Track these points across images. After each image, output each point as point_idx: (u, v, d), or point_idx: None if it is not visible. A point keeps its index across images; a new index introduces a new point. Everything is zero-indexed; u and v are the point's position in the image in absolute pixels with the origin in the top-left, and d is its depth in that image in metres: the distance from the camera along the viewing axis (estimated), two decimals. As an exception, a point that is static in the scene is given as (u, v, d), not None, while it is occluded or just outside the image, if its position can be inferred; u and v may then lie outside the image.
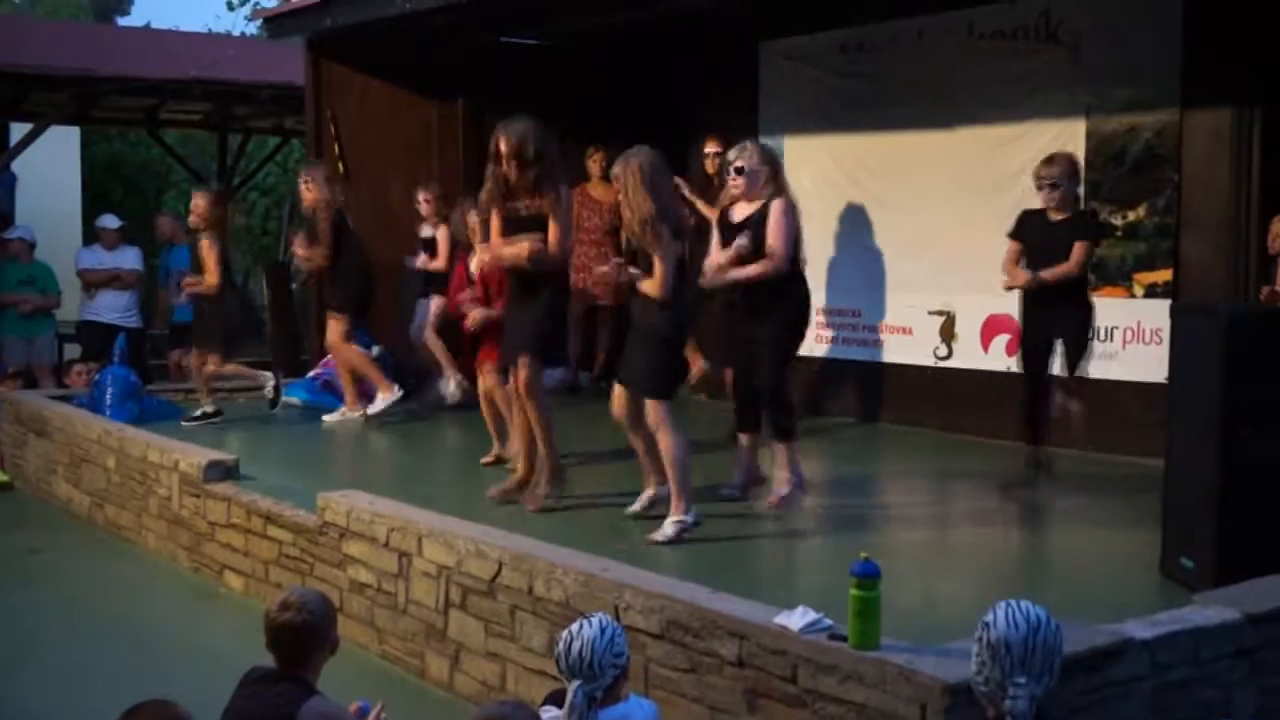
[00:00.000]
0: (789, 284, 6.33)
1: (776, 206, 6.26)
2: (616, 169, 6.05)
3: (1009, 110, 8.34)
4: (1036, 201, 8.24)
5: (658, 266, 5.81)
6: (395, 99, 10.70)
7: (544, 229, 6.39)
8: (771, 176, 6.41)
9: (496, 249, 6.54)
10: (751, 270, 6.22)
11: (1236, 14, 7.23)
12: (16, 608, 6.64)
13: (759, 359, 6.35)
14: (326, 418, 8.92)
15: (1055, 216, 6.96)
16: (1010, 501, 6.88)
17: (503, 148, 6.35)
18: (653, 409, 5.86)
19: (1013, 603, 3.11)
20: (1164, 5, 7.57)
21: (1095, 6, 7.95)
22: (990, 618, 3.05)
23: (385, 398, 8.89)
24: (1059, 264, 6.82)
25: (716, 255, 6.37)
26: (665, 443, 5.84)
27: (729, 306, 6.59)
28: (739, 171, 6.43)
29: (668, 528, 5.77)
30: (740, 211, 6.42)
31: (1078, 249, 6.82)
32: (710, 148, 8.99)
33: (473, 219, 8.27)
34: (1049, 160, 7.01)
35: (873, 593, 3.80)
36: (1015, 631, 3.01)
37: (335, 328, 8.90)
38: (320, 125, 10.58)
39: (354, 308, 8.96)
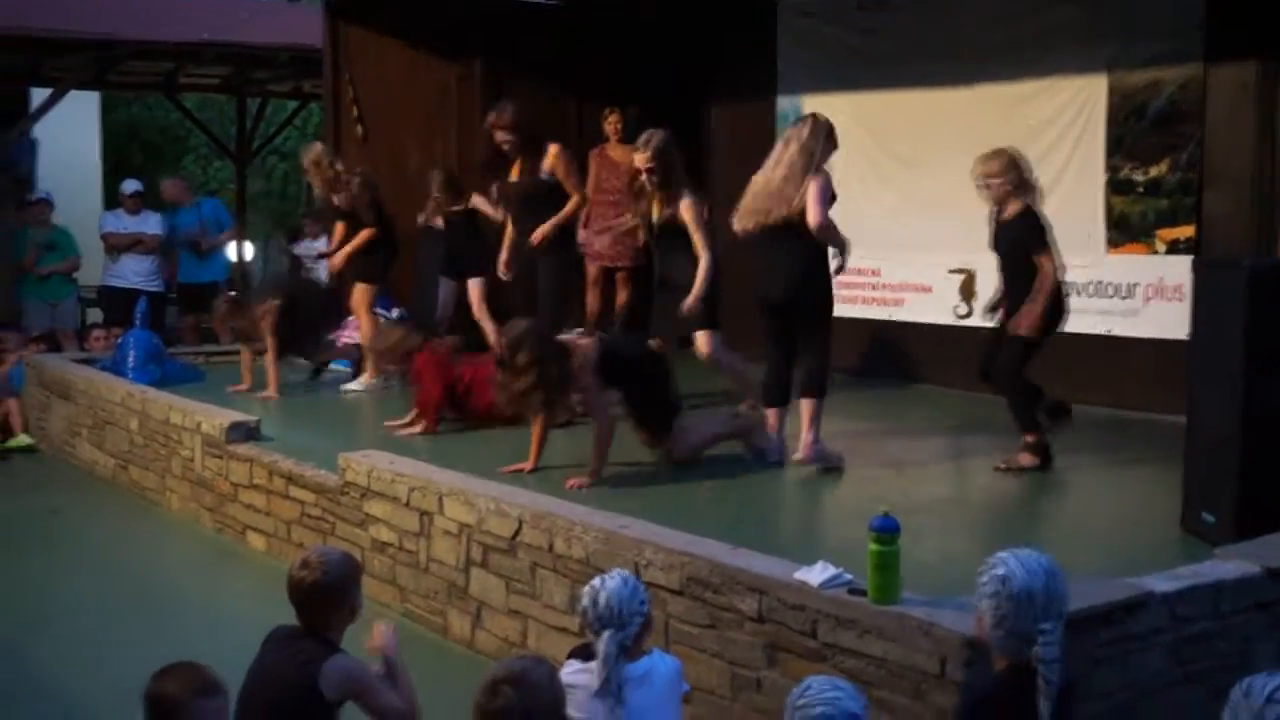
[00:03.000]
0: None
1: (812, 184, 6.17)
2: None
3: (1029, 66, 8.27)
4: (1056, 158, 8.22)
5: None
6: (413, 61, 10.66)
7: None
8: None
9: None
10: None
11: (1261, -34, 7.15)
12: (41, 569, 6.71)
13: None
14: (346, 386, 8.91)
15: (1003, 215, 6.46)
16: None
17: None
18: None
19: (1020, 552, 3.10)
20: (1187, -42, 7.50)
21: (1117, -41, 7.87)
22: (1004, 570, 3.04)
23: (367, 382, 8.80)
24: (1006, 264, 6.47)
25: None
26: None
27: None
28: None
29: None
30: None
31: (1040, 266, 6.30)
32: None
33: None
34: (982, 158, 6.41)
35: (892, 547, 3.81)
36: (1036, 580, 3.01)
37: (362, 295, 8.87)
38: (338, 88, 10.56)
39: (382, 275, 8.98)
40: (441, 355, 7.53)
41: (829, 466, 6.26)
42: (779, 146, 6.36)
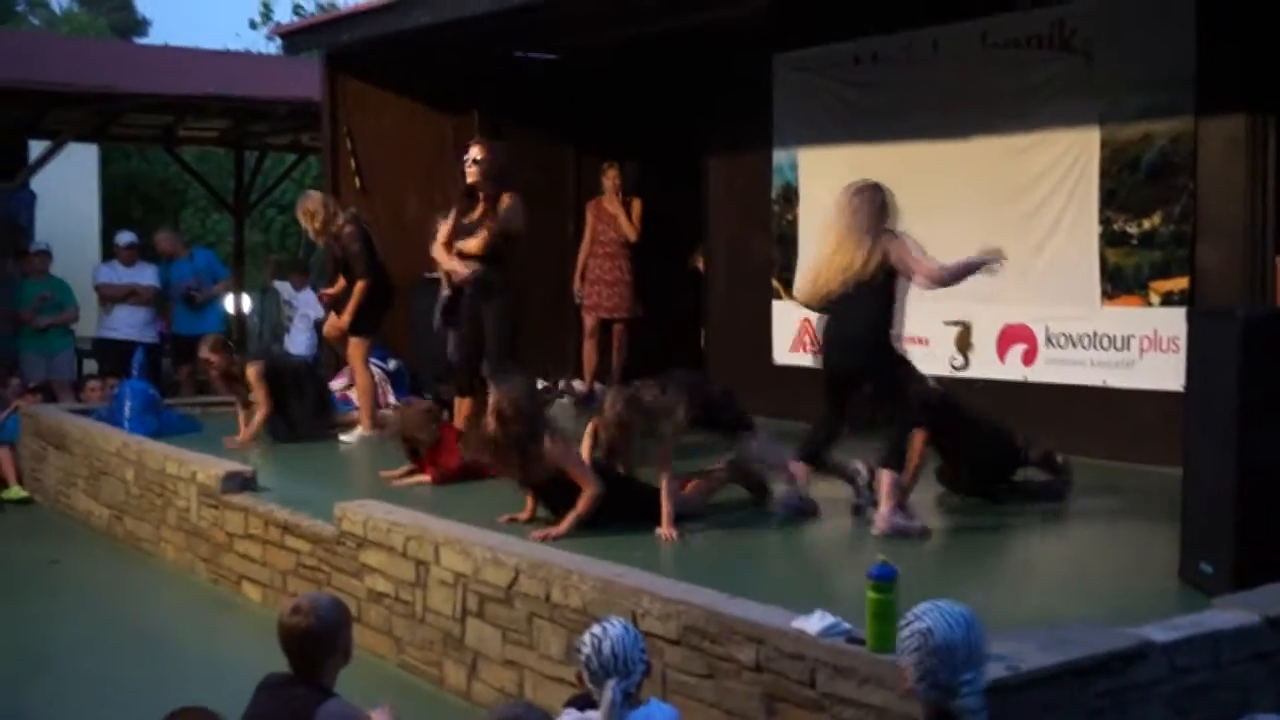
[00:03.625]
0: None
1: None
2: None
3: (1023, 119, 8.34)
4: (1050, 210, 8.30)
5: None
6: (411, 113, 10.75)
7: None
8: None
9: None
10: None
11: (1251, 20, 7.22)
12: (37, 619, 6.68)
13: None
14: (343, 437, 8.87)
15: None
16: (1029, 508, 6.86)
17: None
18: None
19: (941, 604, 3.21)
20: (1177, 12, 7.57)
21: (1108, 14, 7.95)
22: (927, 624, 3.15)
23: (364, 434, 8.75)
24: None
25: None
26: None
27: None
28: None
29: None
30: None
31: None
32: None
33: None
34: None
35: (889, 595, 3.80)
36: (957, 632, 3.12)
37: (357, 349, 8.80)
38: (336, 140, 10.64)
39: (376, 327, 8.93)
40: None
41: (909, 536, 5.95)
42: (827, 220, 6.32)
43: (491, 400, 6.07)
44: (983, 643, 3.14)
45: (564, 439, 6.05)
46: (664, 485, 5.95)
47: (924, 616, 3.17)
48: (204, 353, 8.85)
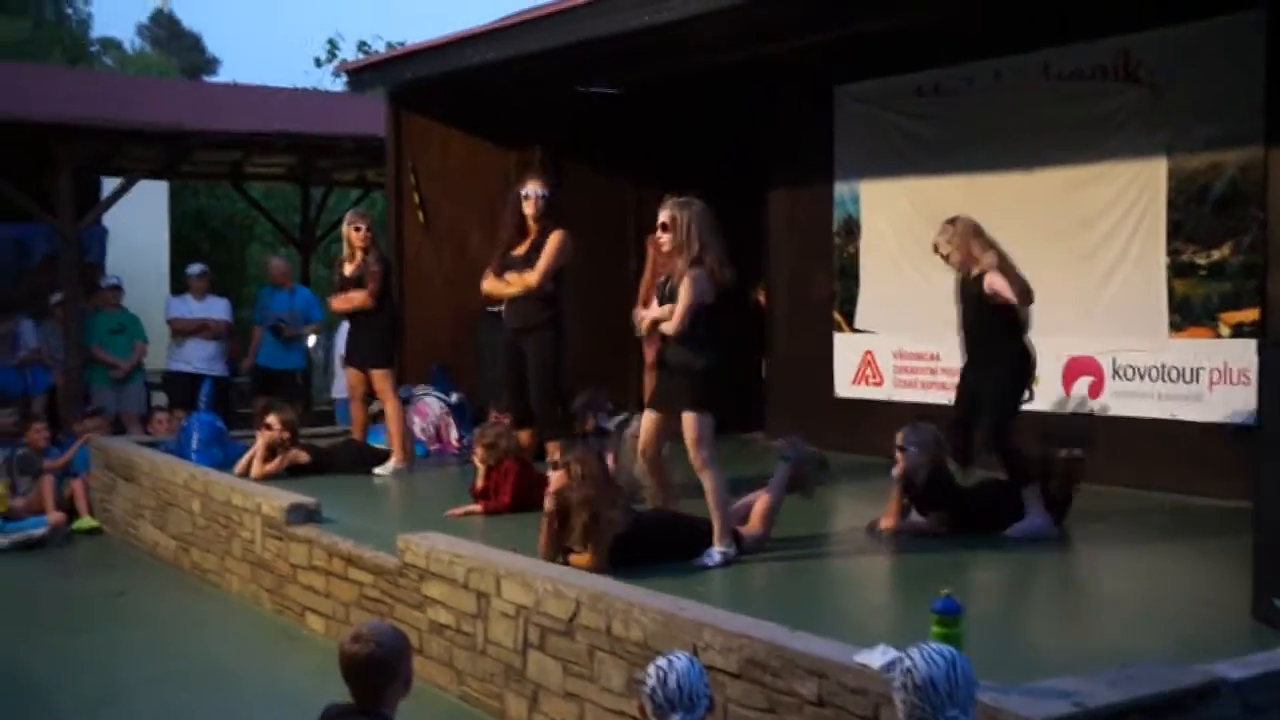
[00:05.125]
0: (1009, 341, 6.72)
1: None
2: (673, 211, 6.19)
3: (1087, 151, 8.28)
4: (1116, 242, 8.24)
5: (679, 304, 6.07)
6: (474, 149, 10.84)
7: None
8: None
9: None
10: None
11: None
12: (104, 649, 6.75)
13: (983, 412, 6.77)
14: (377, 470, 8.90)
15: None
16: (1099, 542, 6.77)
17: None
18: (691, 424, 6.01)
19: (925, 645, 3.24)
20: (1246, 41, 7.50)
21: (1175, 45, 7.88)
22: (908, 664, 3.17)
23: (396, 465, 8.83)
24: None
25: None
26: (708, 478, 6.04)
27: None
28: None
29: (714, 554, 6.01)
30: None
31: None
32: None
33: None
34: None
35: (954, 630, 3.75)
36: (937, 669, 3.14)
37: (383, 380, 8.87)
38: (400, 175, 10.75)
39: (393, 358, 9.04)
40: (525, 463, 7.59)
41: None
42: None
43: (568, 464, 6.03)
44: (969, 684, 3.16)
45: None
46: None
47: (907, 656, 3.21)
48: (272, 419, 8.92)
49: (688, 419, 6.08)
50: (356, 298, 8.85)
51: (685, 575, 5.82)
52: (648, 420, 6.42)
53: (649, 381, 10.09)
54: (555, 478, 6.04)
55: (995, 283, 6.58)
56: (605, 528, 5.80)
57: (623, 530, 5.86)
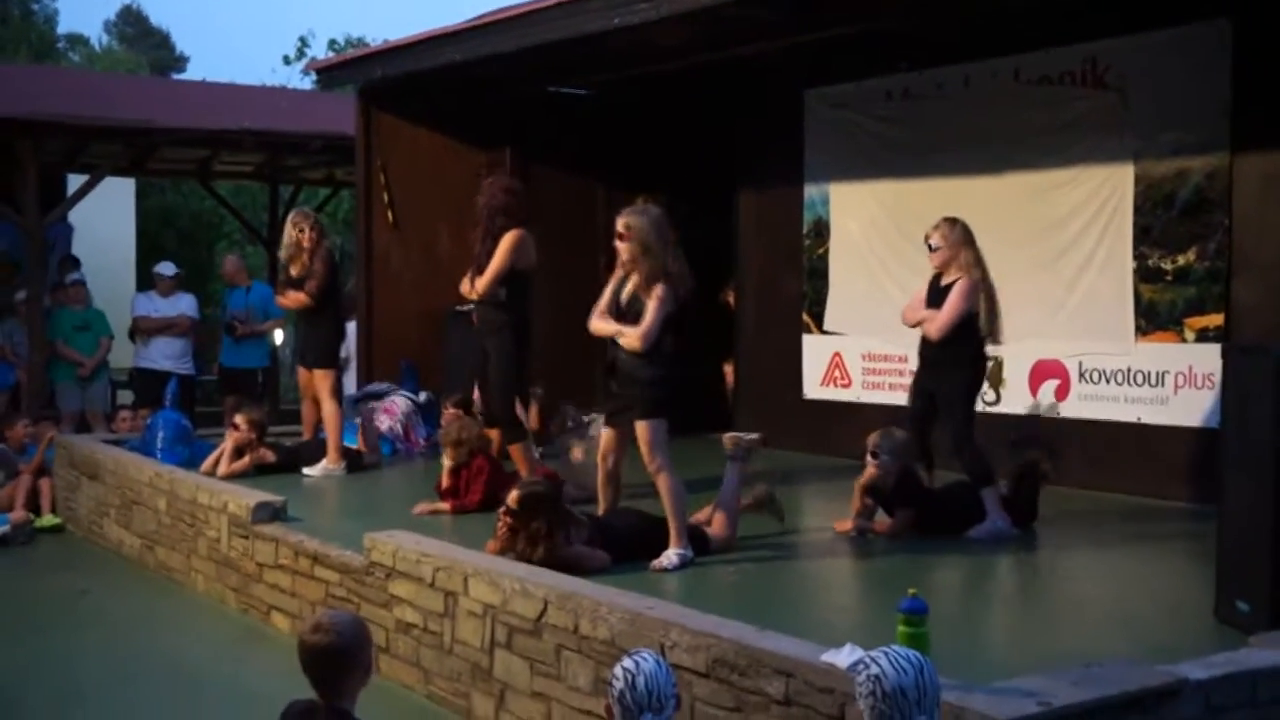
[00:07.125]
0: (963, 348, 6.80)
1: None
2: (629, 220, 6.12)
3: (1056, 155, 8.33)
4: (1083, 247, 8.28)
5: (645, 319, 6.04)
6: (444, 148, 10.81)
7: None
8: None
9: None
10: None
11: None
12: (67, 649, 6.69)
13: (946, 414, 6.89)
14: (306, 470, 8.82)
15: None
16: (1064, 544, 6.81)
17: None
18: (644, 430, 6.02)
19: (891, 650, 3.22)
20: (1212, 48, 7.56)
21: (1142, 51, 7.94)
22: (876, 670, 3.14)
23: (327, 467, 8.76)
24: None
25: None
26: (662, 481, 6.04)
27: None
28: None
29: (672, 556, 5.97)
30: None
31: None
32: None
33: None
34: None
35: (921, 629, 3.76)
36: (906, 676, 3.12)
37: (325, 380, 8.81)
38: (370, 174, 10.71)
39: (334, 361, 9.00)
40: (494, 461, 7.58)
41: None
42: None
43: (512, 494, 6.00)
44: (935, 689, 3.15)
45: (579, 538, 5.96)
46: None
47: (874, 662, 3.18)
48: (240, 419, 8.89)
49: (640, 426, 6.10)
50: (298, 298, 8.81)
51: (651, 575, 5.83)
52: (606, 435, 6.43)
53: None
54: (504, 534, 5.94)
55: (954, 298, 6.68)
56: (567, 558, 5.77)
57: (584, 540, 5.91)
